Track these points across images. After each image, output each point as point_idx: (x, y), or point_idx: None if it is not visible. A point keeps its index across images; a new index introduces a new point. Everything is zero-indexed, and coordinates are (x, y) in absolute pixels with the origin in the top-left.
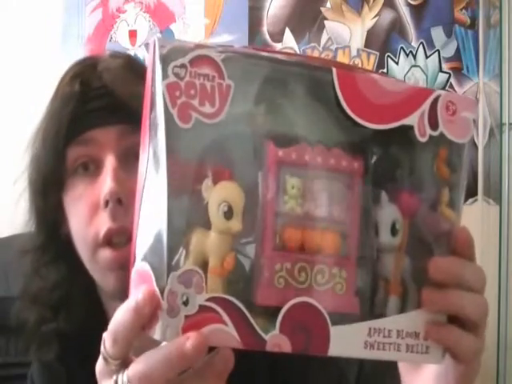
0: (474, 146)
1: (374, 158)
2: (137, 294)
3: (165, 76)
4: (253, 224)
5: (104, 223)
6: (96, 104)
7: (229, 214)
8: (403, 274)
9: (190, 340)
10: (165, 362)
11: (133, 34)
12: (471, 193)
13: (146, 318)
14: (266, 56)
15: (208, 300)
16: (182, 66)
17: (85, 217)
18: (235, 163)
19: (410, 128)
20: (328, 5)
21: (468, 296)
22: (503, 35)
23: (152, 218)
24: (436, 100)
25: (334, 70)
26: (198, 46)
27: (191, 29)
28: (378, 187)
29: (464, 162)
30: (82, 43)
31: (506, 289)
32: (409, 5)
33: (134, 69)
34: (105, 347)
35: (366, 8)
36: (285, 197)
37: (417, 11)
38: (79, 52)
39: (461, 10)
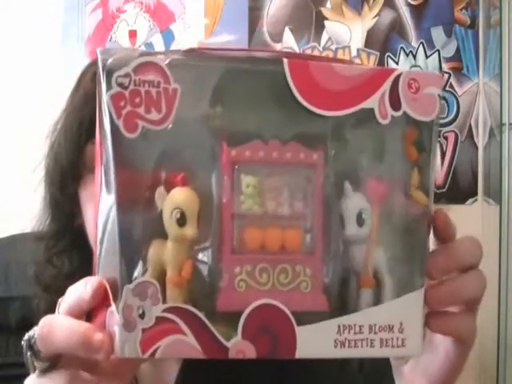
0: (474, 146)
1: (335, 148)
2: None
3: (109, 87)
4: (209, 228)
5: None
6: None
7: (182, 221)
8: (376, 264)
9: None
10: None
11: (133, 34)
12: (471, 193)
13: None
14: (217, 56)
15: (165, 311)
16: (126, 75)
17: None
18: (189, 168)
19: (371, 111)
20: (328, 5)
21: (464, 281)
22: (503, 35)
23: (106, 231)
24: (397, 79)
25: (285, 60)
26: (143, 54)
27: (191, 29)
28: (342, 177)
29: (433, 141)
30: (81, 43)
31: (506, 289)
32: (409, 5)
33: None
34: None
35: (366, 8)
36: (241, 197)
37: (417, 11)
38: (79, 52)
39: (461, 9)
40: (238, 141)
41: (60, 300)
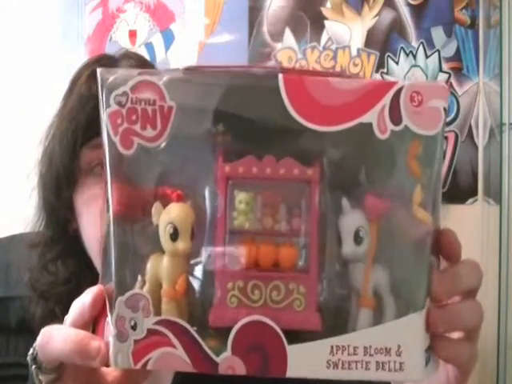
0: (474, 146)
1: (331, 163)
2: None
3: (107, 105)
4: (203, 243)
5: None
6: None
7: (175, 236)
8: (377, 284)
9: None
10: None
11: (133, 34)
12: (471, 193)
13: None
14: (215, 73)
15: (156, 323)
16: (124, 93)
17: (96, 219)
18: (186, 183)
19: (369, 125)
20: (328, 5)
21: (466, 307)
22: (503, 35)
23: (107, 243)
24: (399, 92)
25: (281, 76)
26: (142, 73)
27: (191, 29)
28: (339, 193)
29: (438, 156)
30: (81, 43)
31: (506, 289)
32: (409, 5)
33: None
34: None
35: (366, 8)
36: (234, 213)
37: (417, 11)
38: (79, 52)
39: (461, 9)
40: (233, 157)
41: (66, 316)
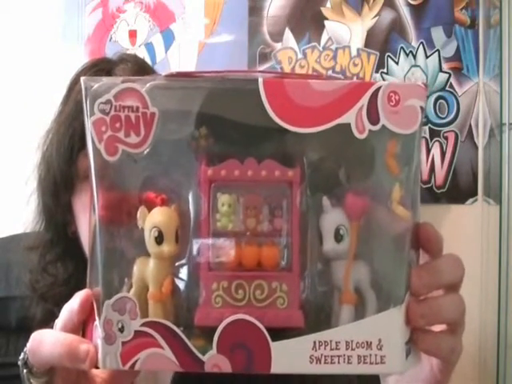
0: (474, 146)
1: (311, 164)
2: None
3: (91, 113)
4: (188, 246)
5: None
6: None
7: (159, 239)
8: (358, 280)
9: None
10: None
11: (133, 34)
12: (471, 193)
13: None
14: (197, 79)
15: (143, 325)
16: (107, 101)
17: None
18: (170, 187)
19: (347, 126)
20: (328, 5)
21: (445, 301)
22: (503, 35)
23: (93, 247)
24: (376, 92)
25: (260, 80)
26: (125, 81)
27: (191, 29)
28: (320, 193)
29: (416, 153)
30: (81, 43)
31: (506, 289)
32: (409, 5)
33: (145, 74)
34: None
35: (366, 8)
36: (217, 215)
37: (417, 11)
38: (79, 52)
39: (461, 9)
40: (215, 160)
41: (56, 320)
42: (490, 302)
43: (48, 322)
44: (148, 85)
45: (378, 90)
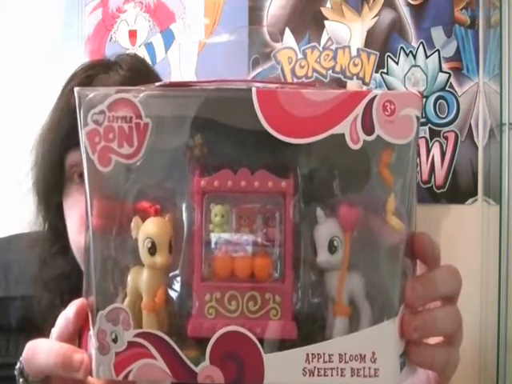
0: (474, 146)
1: (305, 174)
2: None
3: (85, 124)
4: (181, 256)
5: None
6: None
7: (153, 250)
8: (351, 292)
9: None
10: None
11: (133, 34)
12: (471, 193)
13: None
14: (191, 88)
15: (136, 336)
16: (101, 112)
17: (76, 225)
18: (164, 198)
19: (342, 136)
20: (328, 5)
21: (440, 313)
22: (503, 35)
23: (88, 257)
24: (371, 102)
25: (254, 89)
26: (119, 91)
27: (191, 29)
28: (314, 204)
29: (410, 164)
30: (81, 43)
31: (506, 289)
32: (409, 5)
33: (139, 79)
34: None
35: (366, 8)
36: (210, 225)
37: (417, 11)
38: (79, 52)
39: (461, 9)
40: (209, 170)
41: (53, 329)
42: (490, 303)
43: (51, 311)
44: (142, 95)
45: (373, 99)
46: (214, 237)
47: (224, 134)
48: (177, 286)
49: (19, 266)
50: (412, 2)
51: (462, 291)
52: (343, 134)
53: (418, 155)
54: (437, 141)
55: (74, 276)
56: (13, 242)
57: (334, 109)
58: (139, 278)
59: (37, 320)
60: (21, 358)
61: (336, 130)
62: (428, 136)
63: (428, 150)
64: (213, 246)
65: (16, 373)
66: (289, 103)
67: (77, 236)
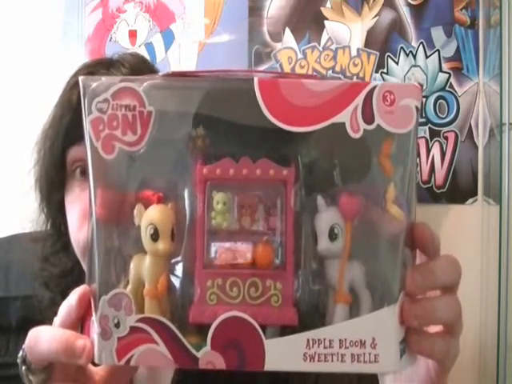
0: (474, 146)
1: (306, 163)
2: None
3: (89, 112)
4: (183, 243)
5: None
6: None
7: (155, 236)
8: (352, 279)
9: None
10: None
11: (133, 34)
12: (471, 193)
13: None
14: (194, 78)
15: (138, 321)
16: (105, 100)
17: (77, 221)
18: (167, 185)
19: (342, 125)
20: (328, 5)
21: (440, 302)
22: (503, 35)
23: (91, 244)
24: (371, 92)
25: (256, 79)
26: (123, 80)
27: (191, 29)
28: (315, 192)
29: (411, 153)
30: (81, 43)
31: (506, 289)
32: (409, 5)
33: None
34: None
35: (366, 8)
36: (212, 213)
37: (417, 11)
38: (79, 52)
39: (461, 9)
40: (211, 159)
41: (55, 318)
42: (490, 302)
43: (53, 307)
44: (145, 84)
45: (372, 89)
46: (215, 224)
47: (226, 124)
48: (179, 273)
49: (19, 266)
50: (412, 2)
51: (461, 291)
52: (344, 123)
53: (418, 155)
54: (437, 141)
55: (75, 273)
56: (13, 242)
57: (334, 99)
58: (141, 266)
59: (37, 320)
60: (23, 346)
61: (337, 119)
62: (428, 136)
63: (428, 150)
64: (214, 233)
65: (18, 360)
66: (290, 93)
67: (77, 232)
